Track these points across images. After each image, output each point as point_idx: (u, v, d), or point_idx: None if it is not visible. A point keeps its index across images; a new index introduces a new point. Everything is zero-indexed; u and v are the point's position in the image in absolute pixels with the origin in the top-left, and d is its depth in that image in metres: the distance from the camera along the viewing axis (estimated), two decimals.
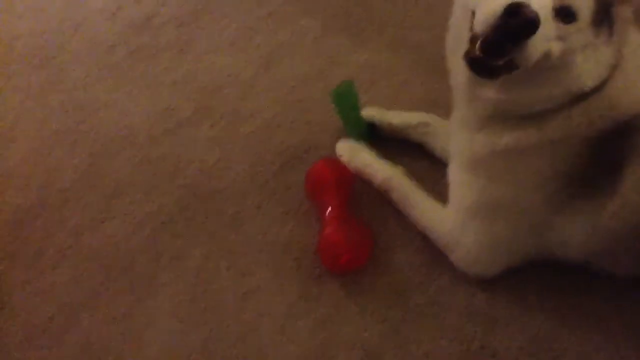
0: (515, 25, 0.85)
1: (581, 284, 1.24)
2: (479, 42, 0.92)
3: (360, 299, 1.29)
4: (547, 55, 0.92)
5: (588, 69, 0.96)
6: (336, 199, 1.36)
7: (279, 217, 1.44)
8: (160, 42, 1.99)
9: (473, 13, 0.94)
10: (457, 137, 1.20)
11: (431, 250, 1.30)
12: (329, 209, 1.34)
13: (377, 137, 1.55)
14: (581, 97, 0.99)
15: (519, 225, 1.15)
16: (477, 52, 0.93)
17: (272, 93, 1.75)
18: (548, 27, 0.89)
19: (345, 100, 1.53)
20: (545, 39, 0.90)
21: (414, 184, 1.38)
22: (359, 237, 1.30)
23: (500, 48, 0.90)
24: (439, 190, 1.31)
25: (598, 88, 0.99)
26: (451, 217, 1.24)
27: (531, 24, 0.85)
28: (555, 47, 0.92)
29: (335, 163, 1.47)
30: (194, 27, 2.03)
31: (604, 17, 0.94)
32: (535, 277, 1.24)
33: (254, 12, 2.07)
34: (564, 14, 0.91)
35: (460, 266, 1.25)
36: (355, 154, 1.49)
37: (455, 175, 1.24)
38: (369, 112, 1.56)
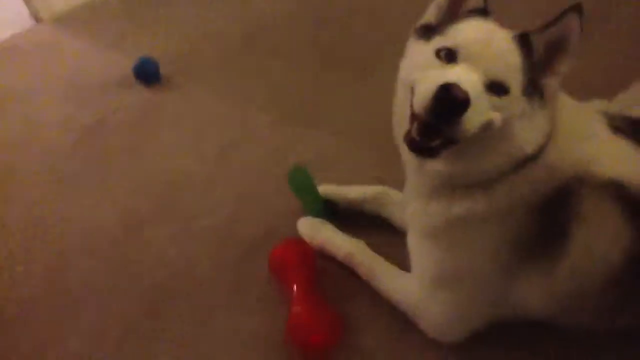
0: (447, 106, 0.90)
1: (543, 341, 1.25)
2: (415, 124, 0.98)
3: None
4: (489, 126, 0.97)
5: (526, 136, 1.00)
6: (301, 278, 1.36)
7: (245, 309, 1.43)
8: (114, 147, 2.02)
9: (413, 91, 1.00)
10: (411, 207, 1.23)
11: (398, 325, 1.30)
12: (295, 288, 1.34)
13: (336, 214, 1.57)
14: (522, 165, 1.03)
15: (480, 292, 1.17)
16: (415, 135, 0.98)
17: (229, 186, 1.79)
18: (481, 102, 0.94)
19: (300, 183, 1.58)
20: (479, 113, 0.94)
21: (377, 256, 1.40)
22: (327, 316, 1.30)
23: (435, 130, 0.95)
24: (402, 259, 1.33)
25: (536, 155, 1.03)
26: (415, 288, 1.26)
27: (462, 103, 0.89)
28: (497, 118, 0.97)
29: (296, 242, 1.48)
30: (146, 130, 2.08)
31: (533, 88, 1.00)
32: (500, 336, 1.24)
33: (204, 111, 2.15)
34: (496, 89, 0.96)
35: (429, 333, 1.26)
36: (316, 231, 1.51)
37: (414, 245, 1.26)
38: (325, 190, 1.61)
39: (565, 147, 1.04)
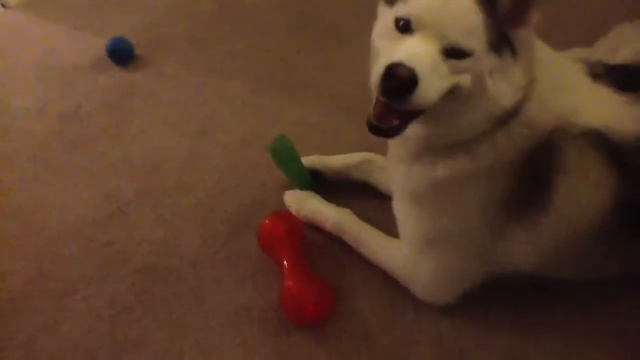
0: (394, 86, 0.93)
1: (533, 299, 1.26)
2: (372, 107, 1.02)
3: (331, 348, 1.27)
4: (456, 89, 0.97)
5: (500, 90, 0.99)
6: (290, 251, 1.36)
7: (236, 284, 1.42)
8: (92, 130, 1.98)
9: None
10: (395, 172, 1.23)
11: (390, 291, 1.30)
12: (285, 262, 1.34)
13: (322, 183, 1.56)
14: (503, 122, 1.02)
15: (468, 251, 1.18)
16: (372, 120, 1.01)
17: (211, 161, 1.77)
18: (437, 72, 0.94)
19: (283, 154, 1.56)
20: (435, 83, 0.94)
21: (364, 224, 1.40)
22: (319, 287, 1.30)
23: (388, 113, 0.99)
24: (390, 225, 1.32)
25: (516, 110, 1.02)
26: (403, 252, 1.27)
27: (408, 82, 0.91)
28: (464, 80, 0.96)
29: (283, 215, 1.47)
30: (123, 110, 2.04)
31: (503, 42, 0.97)
32: (491, 297, 1.25)
33: (181, 87, 2.10)
34: (457, 53, 0.95)
35: (420, 296, 1.27)
36: (303, 203, 1.51)
37: (400, 209, 1.26)
38: (310, 160, 1.60)
39: (545, 100, 1.03)
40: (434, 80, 0.93)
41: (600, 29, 1.51)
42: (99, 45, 2.35)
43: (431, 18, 0.94)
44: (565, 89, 1.07)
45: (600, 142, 1.03)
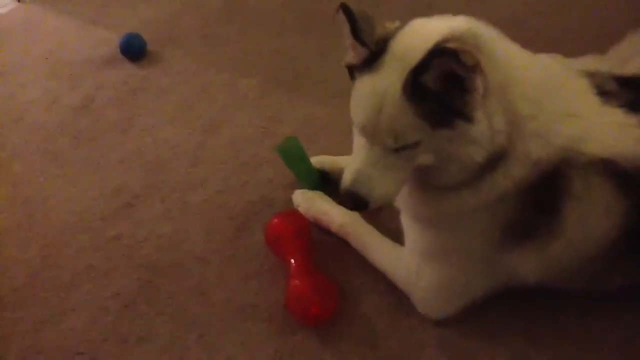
0: (353, 204, 1.06)
1: (537, 305, 1.25)
2: None
3: (335, 349, 1.27)
4: (421, 164, 1.02)
5: (466, 152, 0.98)
6: (297, 251, 1.36)
7: (242, 280, 1.42)
8: (102, 124, 2.00)
9: None
10: (401, 195, 1.20)
11: (396, 293, 1.30)
12: (292, 261, 1.34)
13: (330, 184, 1.56)
14: (496, 162, 1.00)
15: (471, 267, 1.17)
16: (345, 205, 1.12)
17: (220, 158, 1.77)
18: (391, 168, 1.01)
19: (292, 155, 1.56)
20: (393, 176, 1.03)
21: (371, 228, 1.39)
22: (325, 287, 1.29)
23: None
24: (397, 229, 1.32)
25: (506, 151, 0.99)
26: (407, 261, 1.26)
27: (359, 203, 1.04)
28: (425, 159, 1.00)
29: (291, 215, 1.47)
30: (133, 105, 2.05)
31: (449, 116, 0.94)
32: (496, 302, 1.24)
33: (191, 83, 2.11)
34: (405, 148, 0.98)
35: (420, 307, 1.26)
36: (311, 203, 1.50)
37: (405, 222, 1.26)
38: (319, 161, 1.59)
39: (544, 135, 1.00)
40: (386, 181, 1.03)
41: (613, 35, 1.51)
42: (111, 40, 2.38)
43: (370, 126, 0.98)
44: (570, 114, 1.03)
45: (610, 170, 1.00)
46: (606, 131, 1.03)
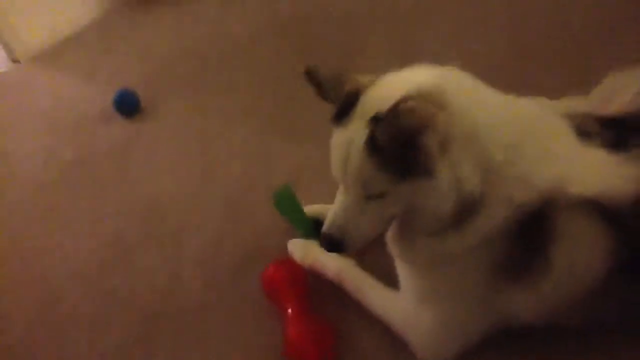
0: (328, 248, 1.11)
1: (538, 340, 1.25)
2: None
3: None
4: (393, 213, 1.07)
5: (433, 202, 1.00)
6: (294, 298, 1.36)
7: (240, 330, 1.41)
8: (97, 177, 2.02)
9: None
10: (390, 243, 1.23)
11: (394, 335, 1.29)
12: (289, 310, 1.34)
13: None
14: (476, 207, 1.02)
15: (467, 309, 1.17)
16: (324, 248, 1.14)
17: (215, 207, 1.78)
18: (365, 214, 1.06)
19: (285, 204, 1.57)
20: (367, 222, 1.07)
21: (365, 274, 1.39)
22: (322, 334, 1.29)
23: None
24: (393, 275, 1.32)
25: (474, 199, 1.01)
26: (403, 305, 1.26)
27: (337, 247, 1.10)
28: (395, 209, 1.05)
29: (287, 263, 1.47)
30: (128, 158, 2.08)
31: (411, 169, 0.97)
32: (496, 338, 1.23)
33: (185, 133, 2.15)
34: (374, 197, 1.03)
35: (418, 352, 1.25)
36: (306, 252, 1.50)
37: (400, 267, 1.27)
38: (313, 210, 1.60)
39: (525, 175, 1.02)
40: (360, 227, 1.08)
41: (595, 75, 1.55)
42: (105, 95, 2.41)
43: (340, 176, 1.05)
44: (551, 156, 1.05)
45: (594, 209, 1.01)
46: (588, 171, 1.04)
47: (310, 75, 1.08)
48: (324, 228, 1.11)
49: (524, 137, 1.03)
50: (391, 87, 1.03)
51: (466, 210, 1.01)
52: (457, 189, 0.99)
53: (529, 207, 1.01)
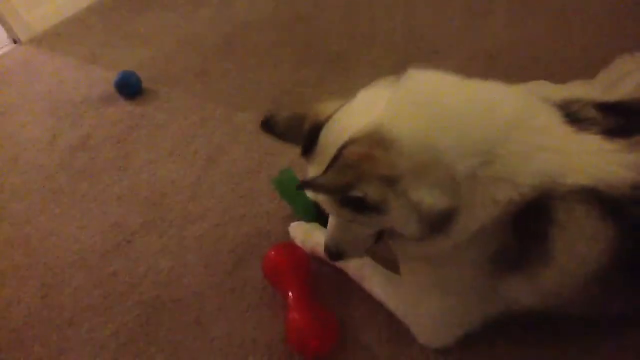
0: (330, 257, 1.22)
1: (539, 332, 1.25)
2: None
3: None
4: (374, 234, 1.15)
5: (398, 227, 1.02)
6: (295, 283, 1.36)
7: (241, 314, 1.41)
8: (100, 162, 2.01)
9: None
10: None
11: (396, 322, 1.30)
12: (290, 294, 1.33)
13: (327, 216, 1.56)
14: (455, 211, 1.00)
15: (467, 296, 1.16)
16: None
17: (217, 192, 1.78)
18: (350, 231, 1.14)
19: (288, 187, 1.56)
20: (355, 237, 1.16)
21: (368, 259, 1.39)
22: (324, 320, 1.29)
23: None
24: (394, 260, 1.32)
25: (460, 203, 0.99)
26: (404, 292, 1.26)
27: (337, 258, 1.21)
28: (370, 232, 1.13)
29: (288, 247, 1.47)
30: (131, 142, 2.07)
31: (362, 206, 0.99)
32: (498, 330, 1.23)
33: (187, 119, 2.13)
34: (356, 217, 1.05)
35: (419, 337, 1.25)
36: (308, 235, 1.50)
37: (401, 257, 1.26)
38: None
39: (507, 175, 0.98)
40: (352, 242, 1.17)
41: (603, 60, 1.53)
42: (107, 78, 2.41)
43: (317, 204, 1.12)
44: (539, 148, 1.01)
45: (592, 197, 0.99)
46: (584, 159, 1.01)
47: (267, 126, 1.15)
48: (326, 240, 1.20)
49: (503, 136, 0.99)
50: (338, 129, 1.03)
51: (440, 221, 1.00)
52: (416, 211, 0.98)
53: (522, 202, 0.99)
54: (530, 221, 1.01)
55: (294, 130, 1.11)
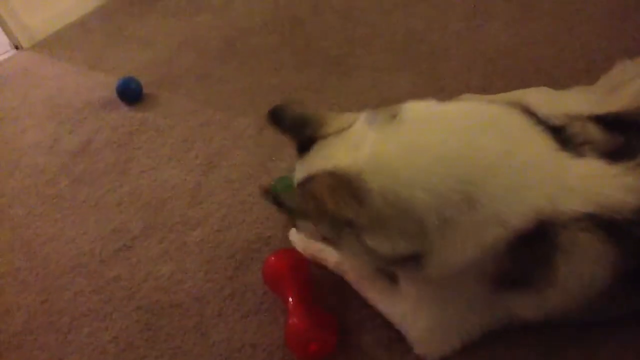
0: None
1: (540, 336, 1.24)
2: None
3: None
4: None
5: (353, 253, 1.04)
6: (295, 288, 1.35)
7: (241, 320, 1.41)
8: (100, 166, 2.02)
9: None
10: None
11: (395, 328, 1.29)
12: (290, 299, 1.33)
13: None
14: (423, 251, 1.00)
15: (467, 308, 1.15)
16: None
17: (217, 197, 1.78)
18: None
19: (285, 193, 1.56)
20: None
21: (367, 267, 1.39)
22: (324, 323, 1.29)
23: None
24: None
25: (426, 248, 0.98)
26: (402, 301, 1.25)
27: None
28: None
29: (288, 252, 1.47)
30: (131, 147, 2.08)
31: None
32: (498, 334, 1.22)
33: (188, 123, 2.14)
34: None
35: (416, 348, 1.23)
36: (308, 241, 1.50)
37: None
38: None
39: (492, 217, 0.95)
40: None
41: (604, 64, 1.52)
42: (108, 83, 2.42)
43: None
44: (532, 179, 0.97)
45: (595, 223, 0.96)
46: (584, 186, 0.98)
47: (274, 118, 1.15)
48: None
49: (487, 178, 0.96)
50: (321, 155, 1.04)
51: (402, 260, 1.00)
52: (371, 252, 0.99)
53: (515, 235, 0.95)
54: (529, 248, 0.98)
55: (297, 130, 1.11)
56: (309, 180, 0.99)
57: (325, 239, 1.10)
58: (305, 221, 1.07)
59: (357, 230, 0.97)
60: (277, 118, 1.14)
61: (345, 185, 0.95)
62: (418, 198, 0.93)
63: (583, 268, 1.00)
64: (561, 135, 1.03)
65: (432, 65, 2.13)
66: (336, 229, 0.99)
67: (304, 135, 1.10)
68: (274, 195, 1.00)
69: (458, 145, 0.97)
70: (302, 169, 1.08)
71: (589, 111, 1.14)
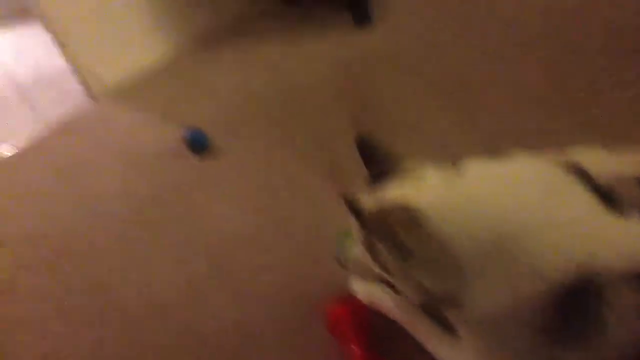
0: None
1: None
2: None
3: None
4: None
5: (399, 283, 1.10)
6: (358, 337, 1.39)
7: None
8: (167, 214, 2.13)
9: None
10: None
11: None
12: (354, 348, 1.37)
13: None
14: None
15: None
16: None
17: (282, 246, 1.84)
18: None
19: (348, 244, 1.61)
20: None
21: (425, 318, 1.41)
22: None
23: None
24: None
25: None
26: (462, 355, 1.27)
27: None
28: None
29: (351, 301, 1.49)
30: (199, 195, 2.18)
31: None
32: None
33: (255, 174, 2.23)
34: None
35: None
36: (369, 291, 1.54)
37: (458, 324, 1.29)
38: None
39: (527, 269, 0.98)
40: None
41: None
42: (177, 134, 2.54)
43: None
44: (572, 236, 0.99)
45: (637, 279, 0.96)
46: (623, 244, 0.99)
47: (362, 146, 1.22)
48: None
49: (533, 228, 1.00)
50: (387, 192, 1.10)
51: (444, 300, 1.07)
52: (419, 287, 1.06)
53: (560, 287, 0.98)
54: (573, 302, 1.00)
55: (378, 164, 1.18)
56: (382, 211, 1.05)
57: (379, 277, 1.16)
58: (369, 250, 1.11)
59: (411, 260, 1.02)
60: (365, 149, 1.21)
61: (414, 219, 1.01)
62: (461, 242, 1.00)
63: (629, 321, 1.00)
64: (609, 195, 1.05)
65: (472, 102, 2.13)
66: (397, 258, 1.04)
67: (381, 168, 1.17)
68: (354, 207, 1.08)
69: (506, 202, 1.03)
70: (373, 201, 1.12)
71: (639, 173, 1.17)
